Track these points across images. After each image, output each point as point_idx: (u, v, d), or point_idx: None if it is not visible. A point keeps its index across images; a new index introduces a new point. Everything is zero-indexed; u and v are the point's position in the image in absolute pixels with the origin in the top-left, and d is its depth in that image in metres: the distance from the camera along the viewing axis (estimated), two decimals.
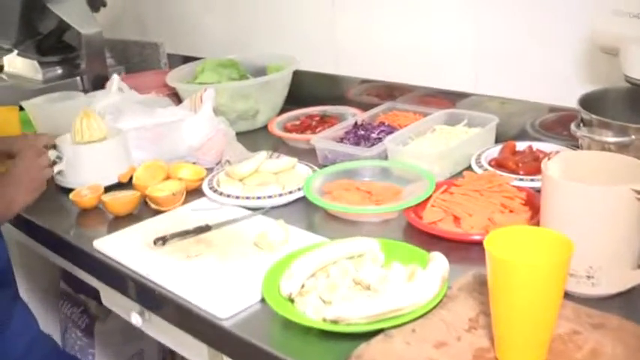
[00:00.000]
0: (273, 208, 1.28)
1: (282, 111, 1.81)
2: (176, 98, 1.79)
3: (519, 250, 0.80)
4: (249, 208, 1.28)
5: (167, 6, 2.31)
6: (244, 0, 2.03)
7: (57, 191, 1.46)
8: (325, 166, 1.42)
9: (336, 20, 1.79)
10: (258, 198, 1.28)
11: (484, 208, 1.16)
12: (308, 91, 1.86)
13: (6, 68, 2.28)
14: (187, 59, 2.11)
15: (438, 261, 0.94)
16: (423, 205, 1.21)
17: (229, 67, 1.85)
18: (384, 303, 0.87)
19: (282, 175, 1.37)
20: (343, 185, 1.31)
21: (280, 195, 1.29)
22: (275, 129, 1.67)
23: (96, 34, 2.09)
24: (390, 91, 1.72)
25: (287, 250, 1.08)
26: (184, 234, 1.18)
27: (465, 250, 1.08)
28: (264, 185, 1.33)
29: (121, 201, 1.31)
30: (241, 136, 1.64)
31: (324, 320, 0.88)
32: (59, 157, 1.43)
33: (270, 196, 1.29)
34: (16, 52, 2.16)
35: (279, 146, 1.64)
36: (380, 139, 1.46)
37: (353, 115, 1.66)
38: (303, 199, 1.27)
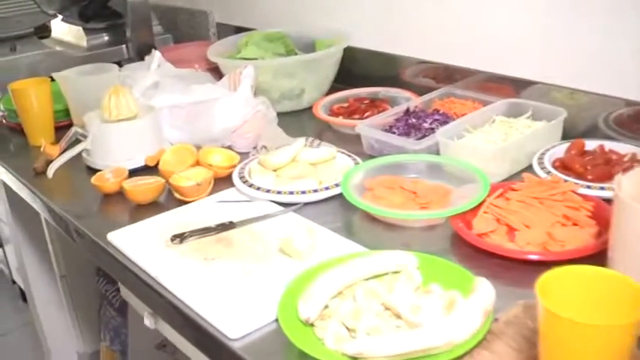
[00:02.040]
0: (307, 204, 1.16)
1: (332, 90, 1.66)
2: (218, 73, 1.67)
3: (580, 298, 0.65)
4: (281, 204, 1.16)
5: None
6: None
7: (86, 171, 1.38)
8: (372, 156, 1.29)
9: None
10: (291, 193, 1.16)
11: (544, 220, 1.01)
12: (360, 69, 1.72)
13: (53, 34, 2.21)
14: (239, 30, 1.99)
15: (483, 290, 0.80)
16: (476, 209, 1.06)
17: (276, 41, 1.71)
18: (414, 340, 0.74)
19: (320, 167, 1.24)
20: (386, 182, 1.17)
21: (315, 190, 1.16)
22: (320, 112, 1.52)
23: (142, 1, 1.99)
24: (450, 75, 1.56)
25: (314, 259, 0.96)
26: (204, 232, 1.07)
27: (518, 269, 0.94)
28: (299, 178, 1.20)
29: (142, 188, 1.21)
30: (285, 116, 1.52)
31: (344, 355, 0.75)
32: (84, 135, 1.34)
33: (303, 192, 1.16)
34: (60, 17, 2.08)
35: (325, 130, 1.51)
36: (432, 130, 1.31)
37: (406, 100, 1.51)
38: (341, 195, 1.14)
